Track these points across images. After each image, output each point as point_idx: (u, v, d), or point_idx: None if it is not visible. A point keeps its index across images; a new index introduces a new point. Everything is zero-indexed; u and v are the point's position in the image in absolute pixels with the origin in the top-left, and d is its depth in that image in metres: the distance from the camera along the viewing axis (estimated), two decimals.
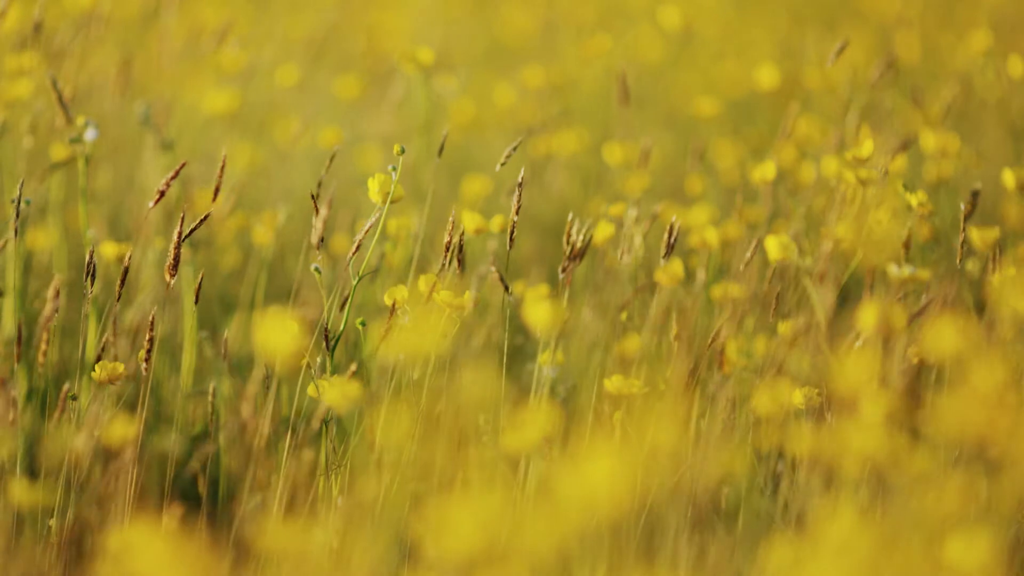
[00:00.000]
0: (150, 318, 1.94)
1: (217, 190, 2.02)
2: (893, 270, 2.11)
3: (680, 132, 3.84)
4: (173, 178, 1.94)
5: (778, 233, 2.36)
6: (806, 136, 2.95)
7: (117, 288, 1.96)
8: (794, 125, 2.81)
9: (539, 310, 1.84)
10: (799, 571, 1.37)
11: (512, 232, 2.01)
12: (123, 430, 1.88)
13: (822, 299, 2.04)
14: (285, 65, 3.55)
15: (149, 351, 1.94)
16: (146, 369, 1.95)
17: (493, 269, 2.08)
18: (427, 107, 2.71)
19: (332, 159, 2.12)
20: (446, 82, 3.17)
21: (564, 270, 2.06)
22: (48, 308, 2.07)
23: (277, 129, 3.54)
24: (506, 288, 2.04)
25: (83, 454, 1.93)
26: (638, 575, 1.62)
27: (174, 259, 1.91)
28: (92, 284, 1.98)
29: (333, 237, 2.83)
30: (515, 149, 2.06)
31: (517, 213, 2.00)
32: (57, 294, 2.07)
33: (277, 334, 1.67)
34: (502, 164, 2.07)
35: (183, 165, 1.97)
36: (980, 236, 2.17)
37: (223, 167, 2.01)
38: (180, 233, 1.91)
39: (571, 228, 2.05)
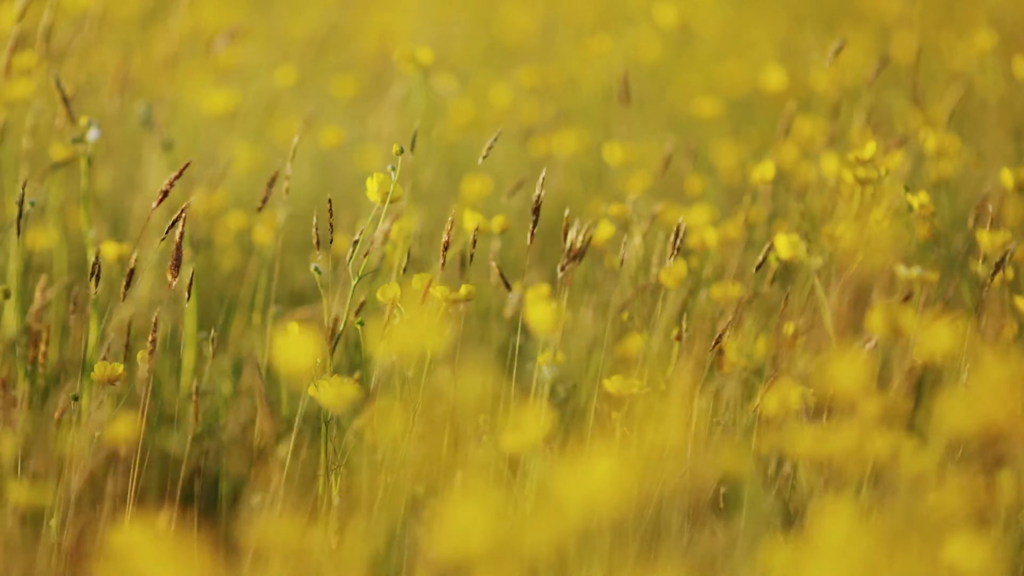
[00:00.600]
0: (154, 319, 1.94)
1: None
2: (901, 271, 2.11)
3: (680, 132, 3.83)
4: (177, 178, 1.94)
5: (778, 233, 2.35)
6: (808, 136, 2.95)
7: (122, 289, 1.96)
8: (791, 125, 2.81)
9: (539, 310, 1.84)
10: (799, 571, 1.37)
11: (533, 230, 2.00)
12: (124, 430, 1.88)
13: (841, 300, 2.03)
14: (285, 65, 3.55)
15: (152, 352, 1.94)
16: (149, 370, 1.95)
17: (494, 264, 2.08)
18: (427, 107, 2.71)
19: (293, 154, 2.12)
20: (446, 82, 3.17)
21: (563, 269, 2.05)
22: (37, 302, 2.07)
23: (277, 129, 3.54)
24: (507, 287, 2.04)
25: (83, 454, 1.93)
26: (638, 575, 1.62)
27: (176, 258, 1.91)
28: (96, 284, 1.98)
29: (334, 237, 2.83)
30: (495, 140, 2.06)
31: (536, 213, 2.00)
32: (45, 291, 2.07)
33: (295, 348, 1.66)
34: (484, 157, 2.07)
35: (187, 165, 1.97)
36: (990, 239, 2.13)
37: (227, 167, 2.01)
38: (182, 233, 1.90)
39: (568, 227, 2.04)
